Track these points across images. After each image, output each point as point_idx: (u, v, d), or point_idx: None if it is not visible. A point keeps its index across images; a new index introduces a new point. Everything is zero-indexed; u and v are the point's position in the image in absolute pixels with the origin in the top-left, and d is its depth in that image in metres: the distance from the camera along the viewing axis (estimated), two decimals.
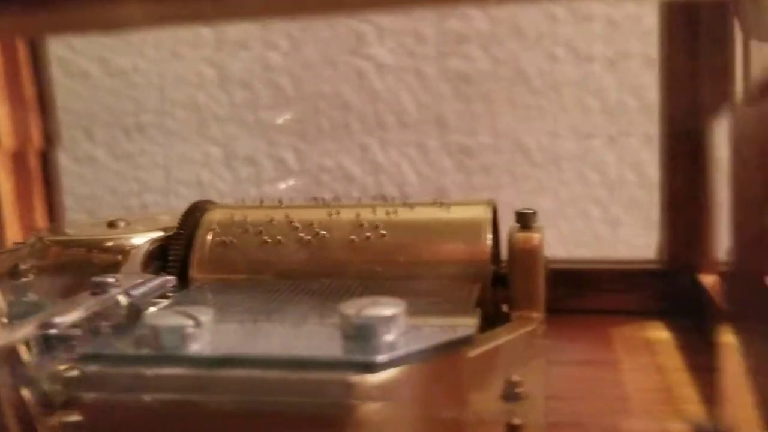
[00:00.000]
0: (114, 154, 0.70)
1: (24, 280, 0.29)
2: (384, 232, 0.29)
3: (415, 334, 0.21)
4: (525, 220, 0.29)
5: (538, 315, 0.29)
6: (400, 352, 0.20)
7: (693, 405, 0.28)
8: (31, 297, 0.28)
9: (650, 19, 0.48)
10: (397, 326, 0.21)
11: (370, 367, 0.19)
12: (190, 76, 0.66)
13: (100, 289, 0.24)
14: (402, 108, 0.58)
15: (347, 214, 0.30)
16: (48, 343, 0.21)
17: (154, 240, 0.30)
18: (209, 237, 0.30)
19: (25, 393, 0.20)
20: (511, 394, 0.24)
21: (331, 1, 0.18)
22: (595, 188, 0.55)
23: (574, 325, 0.38)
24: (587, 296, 0.40)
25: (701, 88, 0.37)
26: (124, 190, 0.70)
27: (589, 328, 0.37)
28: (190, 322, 0.20)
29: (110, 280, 0.25)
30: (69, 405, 0.20)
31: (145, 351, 0.20)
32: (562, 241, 0.55)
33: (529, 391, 0.24)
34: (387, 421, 0.19)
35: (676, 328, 0.36)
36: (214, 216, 0.31)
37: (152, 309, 0.25)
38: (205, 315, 0.21)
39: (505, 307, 0.29)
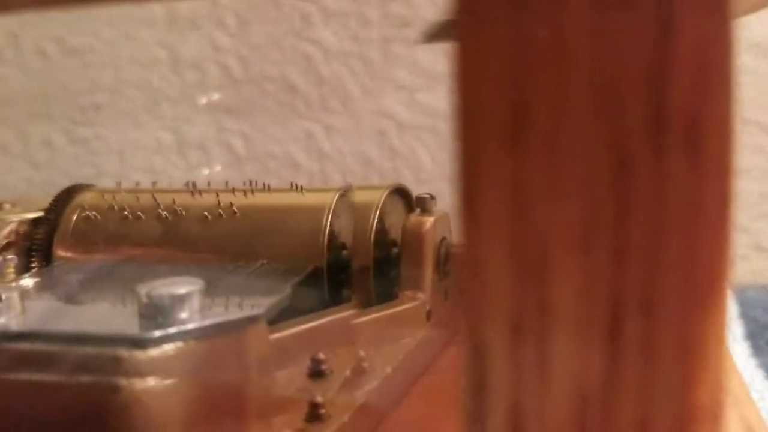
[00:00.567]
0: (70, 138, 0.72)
1: None
2: (237, 212, 0.30)
3: (208, 313, 0.22)
4: (422, 204, 0.31)
5: (422, 296, 0.31)
6: (175, 328, 0.21)
7: None
8: None
9: None
10: (191, 305, 0.22)
11: (142, 343, 0.20)
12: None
13: None
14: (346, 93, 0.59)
15: (209, 197, 0.31)
16: None
17: (23, 221, 0.32)
18: (74, 216, 0.31)
19: None
20: (315, 372, 0.25)
21: None
22: None
23: None
24: None
25: None
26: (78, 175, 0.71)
27: None
28: None
29: None
30: None
31: None
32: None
33: (335, 369, 0.25)
34: (160, 397, 0.20)
35: None
36: (85, 197, 0.32)
37: None
38: (10, 292, 0.22)
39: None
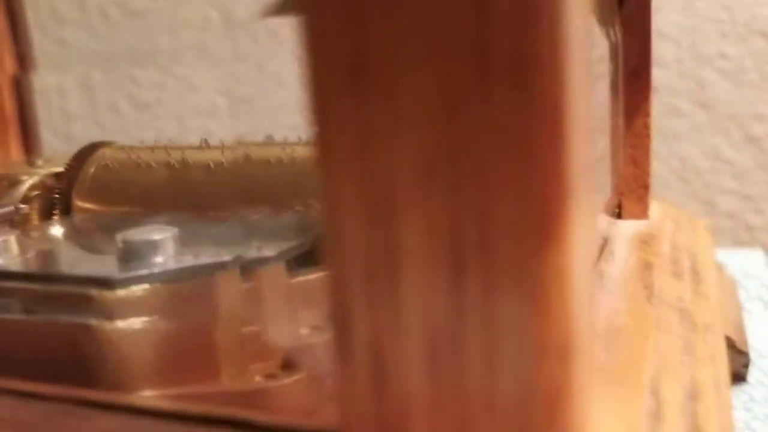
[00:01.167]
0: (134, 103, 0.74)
1: None
2: (241, 162, 0.31)
3: (183, 259, 0.23)
4: None
5: None
6: (145, 271, 0.22)
7: None
8: None
9: None
10: (164, 251, 0.23)
11: (110, 284, 0.21)
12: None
13: None
14: None
15: (216, 150, 0.32)
16: None
17: (49, 174, 0.34)
18: (92, 169, 0.33)
19: None
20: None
21: None
22: None
23: None
24: None
25: None
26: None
27: None
28: None
29: None
30: None
31: None
32: None
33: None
34: (129, 337, 0.21)
35: None
36: (105, 152, 0.34)
37: None
38: (7, 236, 0.24)
39: None
